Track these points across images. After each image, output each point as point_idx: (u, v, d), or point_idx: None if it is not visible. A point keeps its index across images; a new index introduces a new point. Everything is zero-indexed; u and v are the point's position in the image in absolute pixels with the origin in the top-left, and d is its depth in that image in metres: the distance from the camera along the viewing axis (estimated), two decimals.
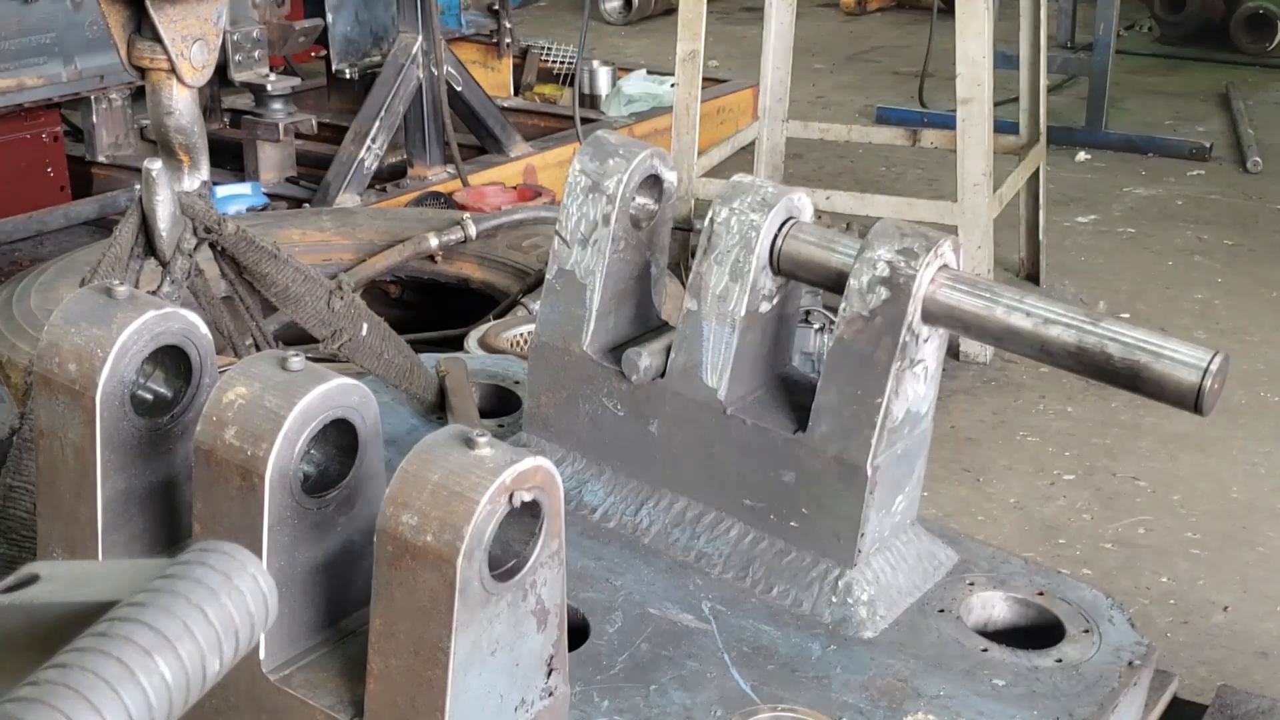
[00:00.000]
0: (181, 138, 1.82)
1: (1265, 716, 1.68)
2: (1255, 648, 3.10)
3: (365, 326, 1.90)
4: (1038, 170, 5.16)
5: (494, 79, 6.49)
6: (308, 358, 1.30)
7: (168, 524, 1.44)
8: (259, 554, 1.24)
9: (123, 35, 1.77)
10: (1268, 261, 5.50)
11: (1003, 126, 5.09)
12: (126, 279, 1.83)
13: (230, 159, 5.01)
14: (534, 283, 3.33)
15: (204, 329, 1.41)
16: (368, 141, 4.72)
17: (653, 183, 1.72)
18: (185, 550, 0.81)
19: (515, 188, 4.82)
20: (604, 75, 6.63)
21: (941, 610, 1.59)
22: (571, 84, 6.28)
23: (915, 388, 1.56)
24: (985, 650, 1.53)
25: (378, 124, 4.75)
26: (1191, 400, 1.42)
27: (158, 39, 1.74)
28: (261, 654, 1.28)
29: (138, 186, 1.86)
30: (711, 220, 1.61)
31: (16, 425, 1.80)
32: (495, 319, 3.15)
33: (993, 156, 4.49)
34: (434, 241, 3.61)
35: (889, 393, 1.51)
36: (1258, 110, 7.59)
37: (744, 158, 5.53)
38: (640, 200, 1.72)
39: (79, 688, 0.70)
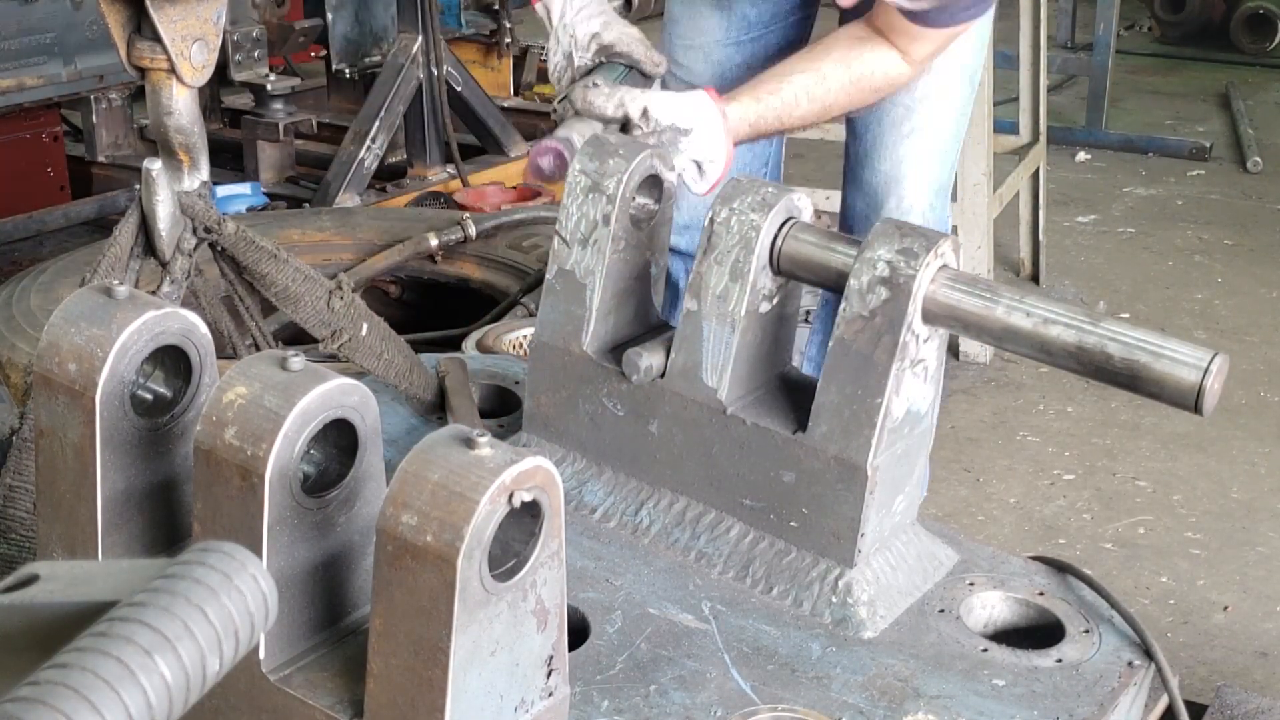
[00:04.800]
0: (181, 138, 1.81)
1: (1265, 716, 1.68)
2: (1255, 647, 3.10)
3: (365, 326, 1.90)
4: (1038, 170, 5.15)
5: (494, 79, 6.48)
6: (308, 358, 1.30)
7: (168, 524, 1.44)
8: (259, 554, 1.24)
9: (122, 35, 1.77)
10: (1268, 261, 5.50)
11: (1003, 126, 5.09)
12: (126, 279, 1.83)
13: (230, 159, 5.00)
14: (534, 282, 3.33)
15: (204, 329, 1.41)
16: (367, 141, 4.72)
17: (653, 183, 1.72)
18: (185, 550, 0.81)
19: (515, 188, 4.81)
20: None
21: (941, 610, 1.59)
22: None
23: (915, 387, 1.56)
24: (985, 650, 1.53)
25: (378, 124, 4.74)
26: (1191, 400, 1.42)
27: (157, 39, 1.74)
28: (261, 654, 1.28)
29: (137, 186, 1.86)
30: (711, 220, 1.61)
31: (16, 425, 1.80)
32: (493, 320, 3.15)
33: (993, 156, 4.49)
34: (434, 241, 3.61)
35: (889, 392, 1.51)
36: (1258, 110, 7.59)
37: None
38: (640, 200, 1.72)
39: (79, 688, 0.70)
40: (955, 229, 4.32)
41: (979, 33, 2.63)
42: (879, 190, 2.62)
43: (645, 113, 1.94)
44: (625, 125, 1.96)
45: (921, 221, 2.62)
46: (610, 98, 1.95)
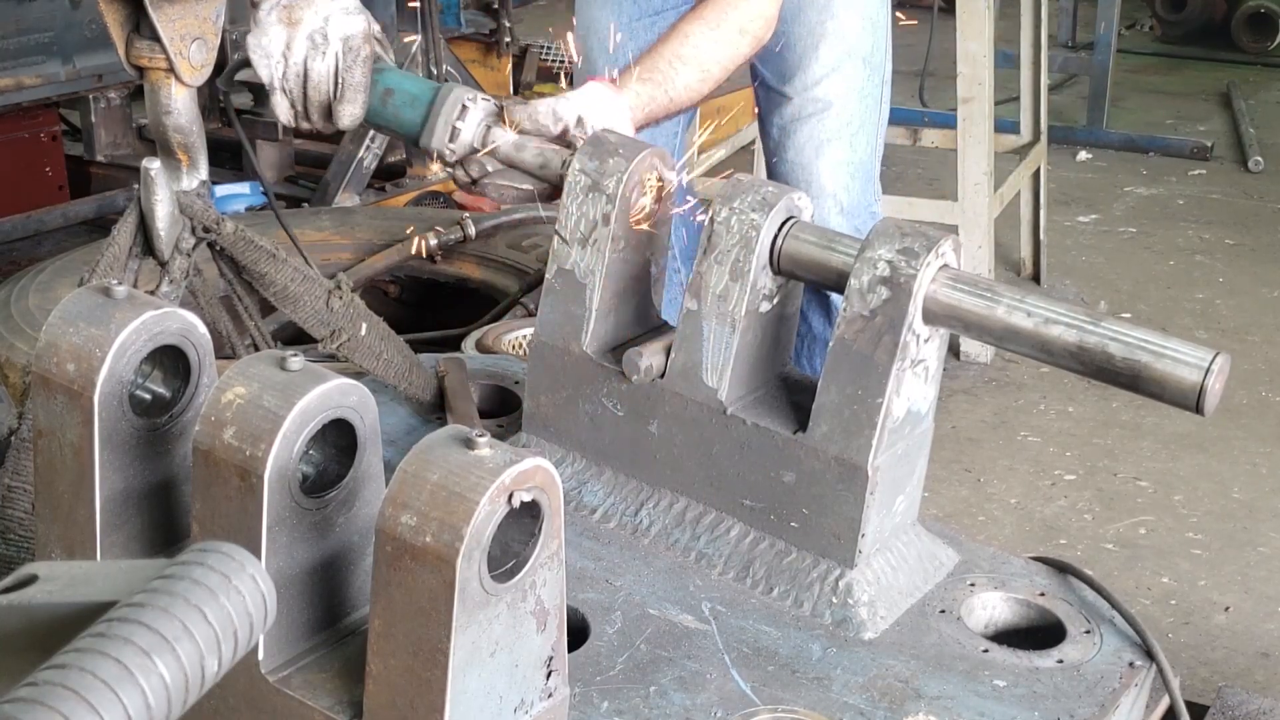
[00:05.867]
0: (180, 137, 1.81)
1: (1267, 717, 1.68)
2: (1257, 648, 3.10)
3: (364, 326, 1.89)
4: (1039, 169, 5.15)
5: (494, 78, 6.48)
6: (306, 358, 1.29)
7: (166, 524, 1.43)
8: (258, 554, 1.23)
9: (121, 34, 1.76)
10: (1269, 261, 5.49)
11: (1003, 126, 5.08)
12: (125, 279, 1.82)
13: (229, 158, 5.00)
14: (533, 282, 3.33)
15: (202, 329, 1.40)
16: (366, 141, 4.71)
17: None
18: (184, 551, 0.81)
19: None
20: None
21: (942, 611, 1.59)
22: (571, 83, 6.27)
23: (916, 387, 1.55)
24: (986, 651, 1.52)
25: None
26: (1193, 400, 1.42)
27: (156, 38, 1.73)
28: (260, 655, 1.27)
29: (136, 186, 1.86)
30: (711, 220, 1.61)
31: (15, 425, 1.80)
32: (493, 320, 3.15)
33: (993, 156, 4.49)
34: (433, 241, 3.61)
35: (889, 393, 1.51)
36: (1259, 109, 7.59)
37: (744, 158, 5.53)
38: (640, 200, 1.71)
39: (77, 688, 0.70)
40: (956, 229, 4.32)
41: (867, 14, 2.71)
42: (791, 177, 2.77)
43: (580, 121, 1.93)
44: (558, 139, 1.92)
45: (837, 203, 2.70)
46: (547, 114, 1.91)
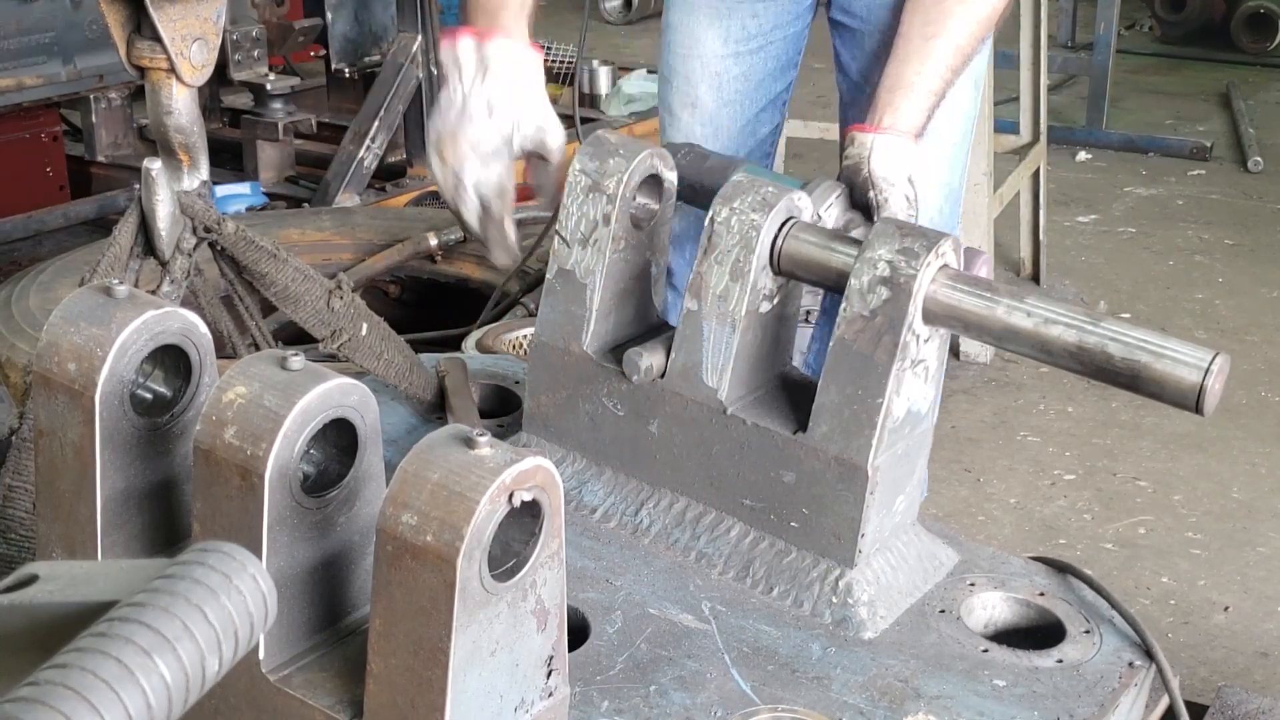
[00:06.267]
0: (181, 137, 1.81)
1: (1266, 717, 1.68)
2: (1256, 648, 3.10)
3: (365, 326, 1.89)
4: (1038, 170, 5.16)
5: None
6: (307, 358, 1.30)
7: (167, 524, 1.43)
8: (258, 554, 1.24)
9: (122, 34, 1.77)
10: (1268, 261, 5.50)
11: (1003, 126, 5.09)
12: (126, 278, 1.82)
13: (230, 158, 5.00)
14: (533, 281, 3.33)
15: (203, 328, 1.41)
16: (367, 141, 4.72)
17: (653, 182, 1.72)
18: (185, 550, 0.81)
19: (515, 187, 4.81)
20: (604, 75, 6.61)
21: (942, 611, 1.59)
22: (571, 83, 6.27)
23: (916, 388, 1.56)
24: (985, 651, 1.52)
25: (377, 123, 4.75)
26: (1192, 400, 1.42)
27: (157, 38, 1.74)
28: (261, 654, 1.28)
29: (137, 186, 1.86)
30: (712, 220, 1.61)
31: (16, 425, 1.80)
32: (491, 319, 3.15)
33: (993, 156, 4.49)
34: (433, 241, 3.62)
35: (889, 393, 1.51)
36: (1258, 110, 7.59)
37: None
38: (640, 200, 1.72)
39: (78, 688, 0.70)
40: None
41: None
42: None
43: (911, 180, 1.95)
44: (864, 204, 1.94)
45: (931, 225, 2.65)
46: (899, 204, 1.94)
